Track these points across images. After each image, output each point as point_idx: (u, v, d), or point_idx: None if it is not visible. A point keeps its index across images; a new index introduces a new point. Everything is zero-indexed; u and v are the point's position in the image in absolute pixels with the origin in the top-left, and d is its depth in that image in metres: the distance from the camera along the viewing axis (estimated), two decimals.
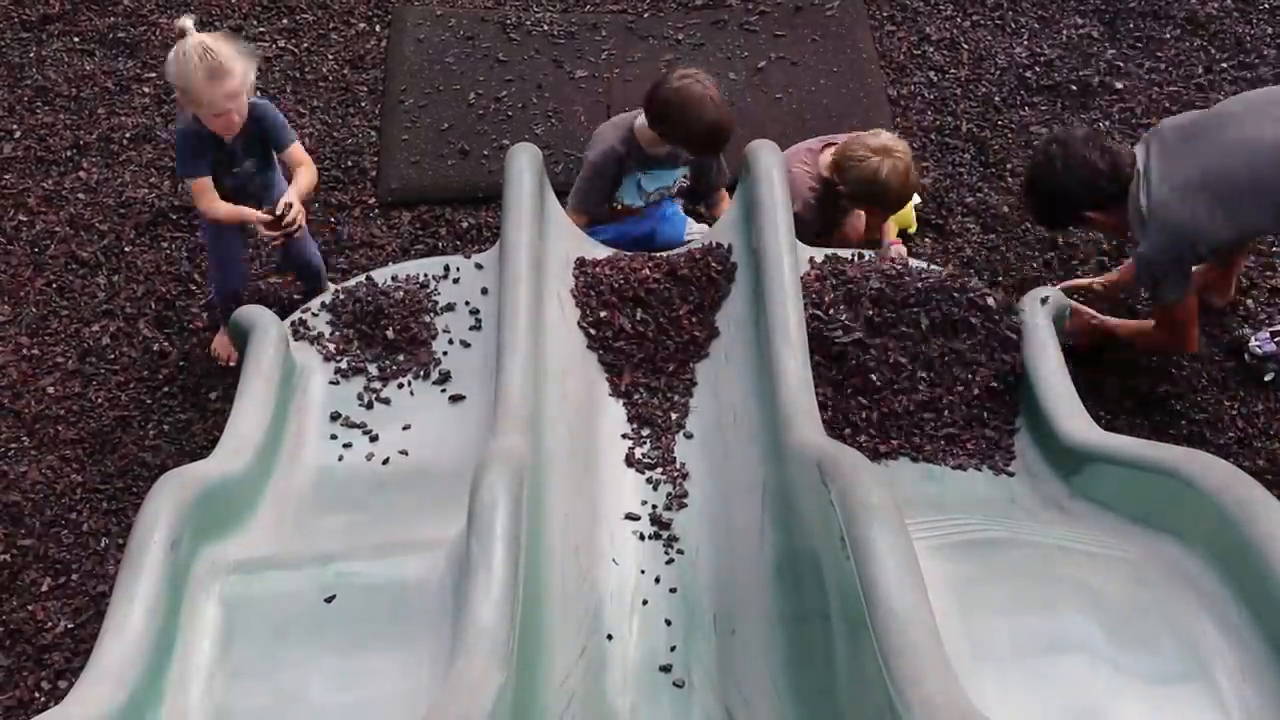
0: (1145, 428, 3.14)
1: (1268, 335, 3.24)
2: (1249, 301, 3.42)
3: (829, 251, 2.91)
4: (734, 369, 2.71)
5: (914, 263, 2.90)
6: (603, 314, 2.80)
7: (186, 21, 2.71)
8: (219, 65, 2.67)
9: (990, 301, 2.74)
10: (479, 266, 2.93)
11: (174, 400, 3.26)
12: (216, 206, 2.91)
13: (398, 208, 3.74)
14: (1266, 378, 3.23)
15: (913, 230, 3.59)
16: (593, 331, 2.80)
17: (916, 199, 3.60)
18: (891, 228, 3.45)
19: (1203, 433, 3.14)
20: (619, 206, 3.33)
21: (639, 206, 3.35)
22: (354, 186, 3.80)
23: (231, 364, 3.18)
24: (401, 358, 2.78)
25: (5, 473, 3.09)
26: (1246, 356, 3.24)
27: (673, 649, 2.33)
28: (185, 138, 2.86)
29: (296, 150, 2.97)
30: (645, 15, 4.30)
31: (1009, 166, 3.81)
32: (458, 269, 2.94)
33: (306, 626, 2.05)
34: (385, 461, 2.61)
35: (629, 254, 2.99)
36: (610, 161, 3.21)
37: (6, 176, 3.81)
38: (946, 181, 3.77)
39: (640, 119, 3.18)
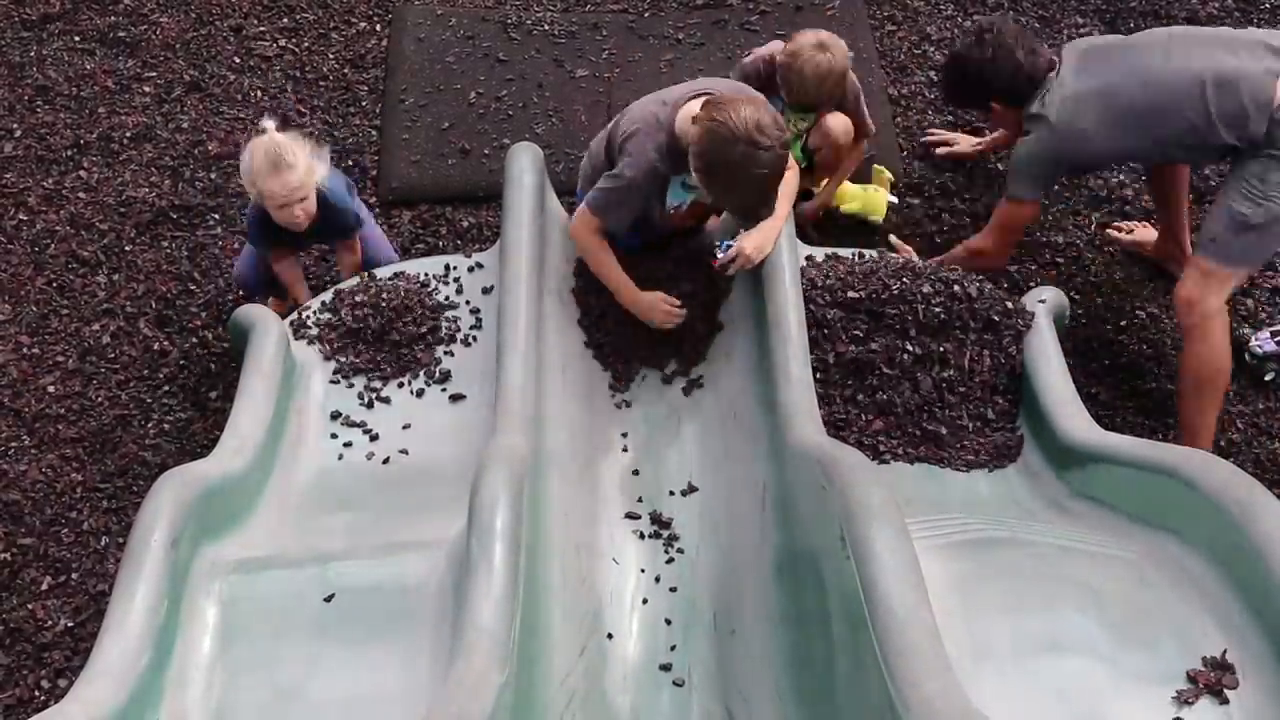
0: (1145, 428, 3.14)
1: (1268, 335, 3.24)
2: (1249, 301, 3.42)
3: (829, 251, 2.91)
4: (734, 368, 2.71)
5: (914, 260, 2.91)
6: (602, 314, 2.80)
7: (268, 122, 2.81)
8: (281, 158, 2.75)
9: (990, 294, 2.73)
10: (479, 266, 2.93)
11: (174, 399, 3.26)
12: (282, 266, 3.13)
13: (398, 207, 3.74)
14: (1267, 377, 3.23)
15: (879, 219, 3.58)
16: (592, 330, 2.80)
17: (892, 197, 3.61)
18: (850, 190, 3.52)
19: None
20: (671, 212, 2.85)
21: (683, 203, 2.89)
22: (354, 186, 3.80)
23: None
24: (402, 357, 2.78)
25: (5, 471, 3.09)
26: (1247, 356, 3.24)
27: (673, 648, 2.34)
28: (253, 219, 3.00)
29: (355, 241, 3.10)
30: (646, 15, 4.30)
31: (1009, 166, 3.80)
32: (458, 268, 2.94)
33: (306, 626, 2.05)
34: (385, 461, 2.61)
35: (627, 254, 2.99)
36: (649, 179, 2.68)
37: (7, 175, 3.81)
38: (946, 181, 3.76)
39: (683, 115, 2.63)
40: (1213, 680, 1.75)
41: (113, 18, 4.29)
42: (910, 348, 2.67)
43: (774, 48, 3.27)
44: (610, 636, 2.32)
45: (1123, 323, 3.40)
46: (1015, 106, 3.04)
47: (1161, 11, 4.25)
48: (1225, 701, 1.74)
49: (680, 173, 2.69)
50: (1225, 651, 1.79)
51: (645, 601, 2.38)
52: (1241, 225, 2.78)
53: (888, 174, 3.68)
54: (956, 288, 2.72)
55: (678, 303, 2.75)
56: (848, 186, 3.58)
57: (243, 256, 3.30)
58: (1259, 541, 1.81)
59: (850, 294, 2.69)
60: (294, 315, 2.86)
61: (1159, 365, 3.30)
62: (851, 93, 3.32)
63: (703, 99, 2.55)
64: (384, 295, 2.85)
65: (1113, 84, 2.88)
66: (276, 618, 2.08)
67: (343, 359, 2.77)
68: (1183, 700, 1.74)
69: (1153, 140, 2.90)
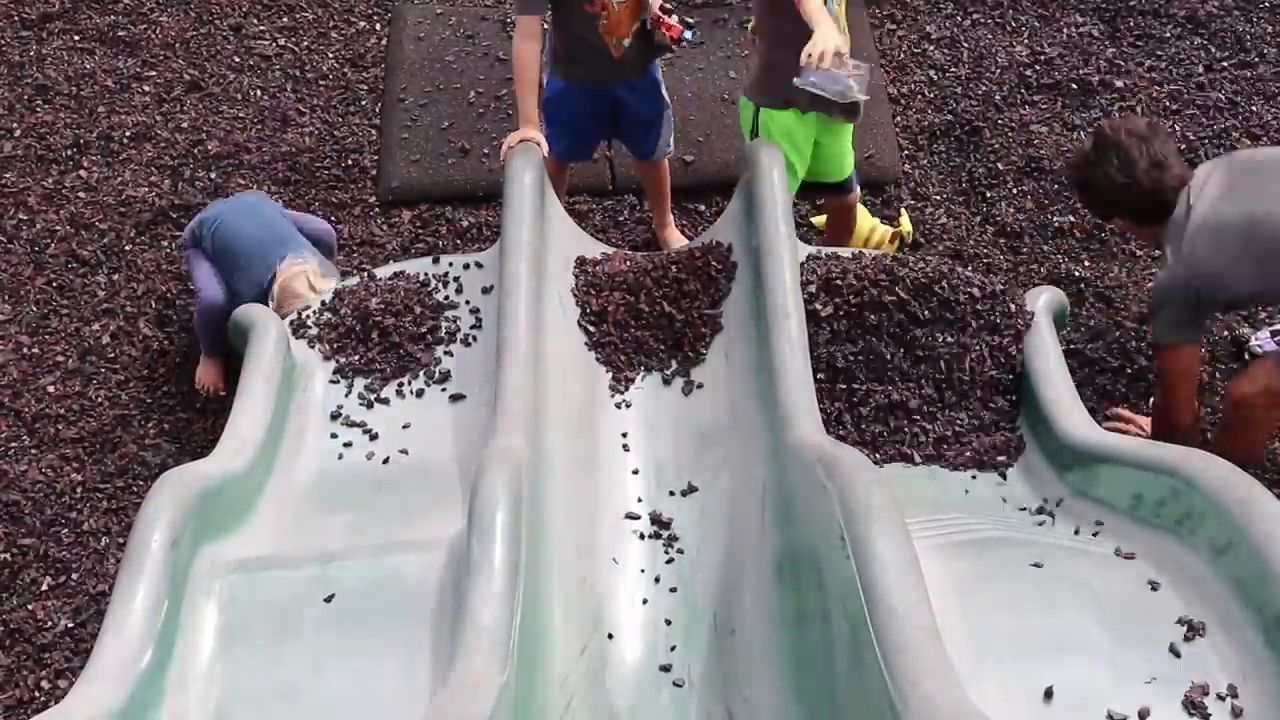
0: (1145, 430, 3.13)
1: (1268, 335, 3.24)
2: None
3: (828, 250, 2.91)
4: (734, 368, 2.71)
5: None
6: (602, 314, 2.80)
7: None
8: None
9: (991, 293, 2.72)
10: (479, 265, 2.92)
11: (174, 399, 3.26)
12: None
13: (398, 206, 3.74)
14: None
15: (908, 237, 3.55)
16: (591, 330, 2.80)
17: (907, 224, 3.58)
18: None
19: (1204, 432, 3.13)
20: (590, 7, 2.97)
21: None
22: (354, 185, 3.80)
23: (220, 393, 3.19)
24: (402, 357, 2.77)
25: (5, 471, 3.09)
26: (1247, 356, 3.24)
27: (673, 648, 2.33)
28: (212, 318, 3.12)
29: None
30: None
31: (1009, 165, 3.81)
32: (458, 268, 2.93)
33: (307, 626, 2.05)
34: (385, 461, 2.60)
35: (629, 252, 2.98)
36: None
37: (7, 175, 3.81)
38: (945, 180, 3.77)
39: None
40: (1213, 681, 1.76)
41: (112, 17, 4.29)
42: (911, 347, 2.66)
43: None
44: (610, 637, 2.32)
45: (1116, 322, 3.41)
46: (1146, 224, 2.75)
47: (1161, 10, 4.26)
48: (1224, 701, 1.74)
49: None
50: (1225, 652, 1.79)
51: (645, 602, 2.38)
52: None
53: (907, 225, 3.59)
54: (958, 288, 2.72)
55: (543, 145, 2.88)
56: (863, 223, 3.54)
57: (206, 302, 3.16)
58: (1259, 541, 1.81)
59: (851, 294, 2.69)
60: (294, 315, 2.85)
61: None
62: None
63: None
64: (384, 295, 2.85)
65: (1259, 214, 2.53)
66: (277, 618, 2.08)
67: (343, 359, 2.77)
68: (1182, 701, 1.74)
69: None
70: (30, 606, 2.84)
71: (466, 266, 2.93)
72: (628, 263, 2.89)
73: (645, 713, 2.25)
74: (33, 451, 3.14)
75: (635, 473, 2.62)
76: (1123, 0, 4.30)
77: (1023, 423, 2.69)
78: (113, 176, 3.79)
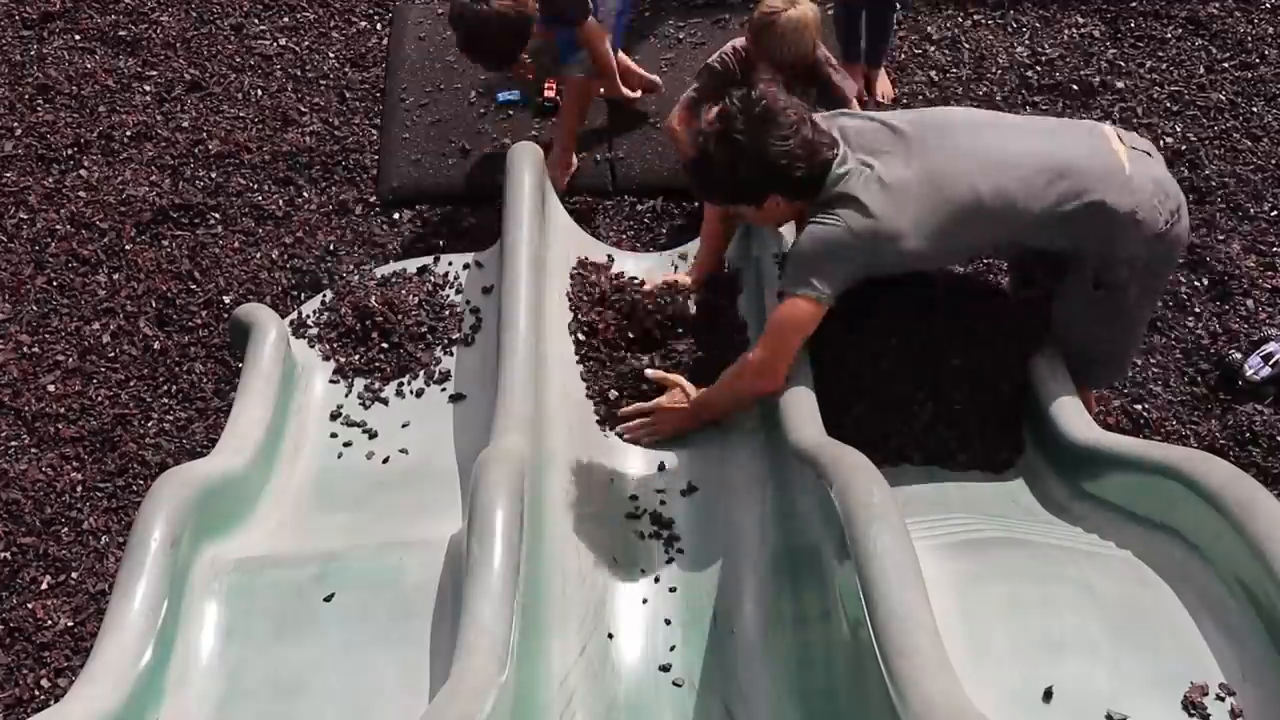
0: (1143, 436, 3.14)
1: (1259, 360, 3.20)
2: (1249, 302, 3.42)
3: None
4: None
5: None
6: (593, 329, 2.78)
7: None
8: None
9: (994, 293, 2.72)
10: (480, 265, 2.92)
11: (174, 399, 3.26)
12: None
13: (398, 206, 3.74)
14: (1267, 400, 3.20)
15: None
16: (582, 340, 2.78)
17: None
18: None
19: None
20: None
21: None
22: (355, 185, 3.80)
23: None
24: (402, 357, 2.77)
25: (5, 470, 3.09)
26: (1241, 383, 3.21)
27: (672, 648, 2.33)
28: None
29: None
30: (646, 14, 4.30)
31: None
32: (458, 268, 2.93)
33: (306, 625, 2.05)
34: (385, 460, 2.60)
35: (630, 260, 2.97)
36: None
37: (7, 174, 3.81)
38: None
39: None
40: (1212, 681, 1.75)
41: (113, 16, 4.29)
42: (912, 346, 2.66)
43: (735, 41, 3.30)
44: (610, 636, 2.32)
45: None
46: (800, 200, 2.45)
47: (1162, 11, 4.25)
48: (1224, 701, 1.74)
49: None
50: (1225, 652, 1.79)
51: (645, 601, 2.38)
52: None
53: None
54: (961, 288, 2.71)
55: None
56: None
57: None
58: (1259, 541, 1.81)
59: (849, 293, 2.68)
60: (294, 315, 2.86)
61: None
62: (823, 57, 3.29)
63: None
64: (384, 295, 2.85)
65: (937, 171, 2.36)
66: (277, 617, 2.08)
67: (343, 358, 2.77)
68: (1181, 701, 1.74)
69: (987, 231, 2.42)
70: (30, 605, 2.84)
71: (466, 266, 2.93)
72: (634, 288, 2.86)
73: (645, 712, 2.24)
74: (33, 450, 3.15)
75: (635, 472, 2.62)
76: (1124, 1, 4.30)
77: (1024, 423, 2.69)
78: (113, 176, 3.80)
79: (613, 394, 2.68)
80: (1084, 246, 2.44)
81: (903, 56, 4.16)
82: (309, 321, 2.84)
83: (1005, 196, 2.36)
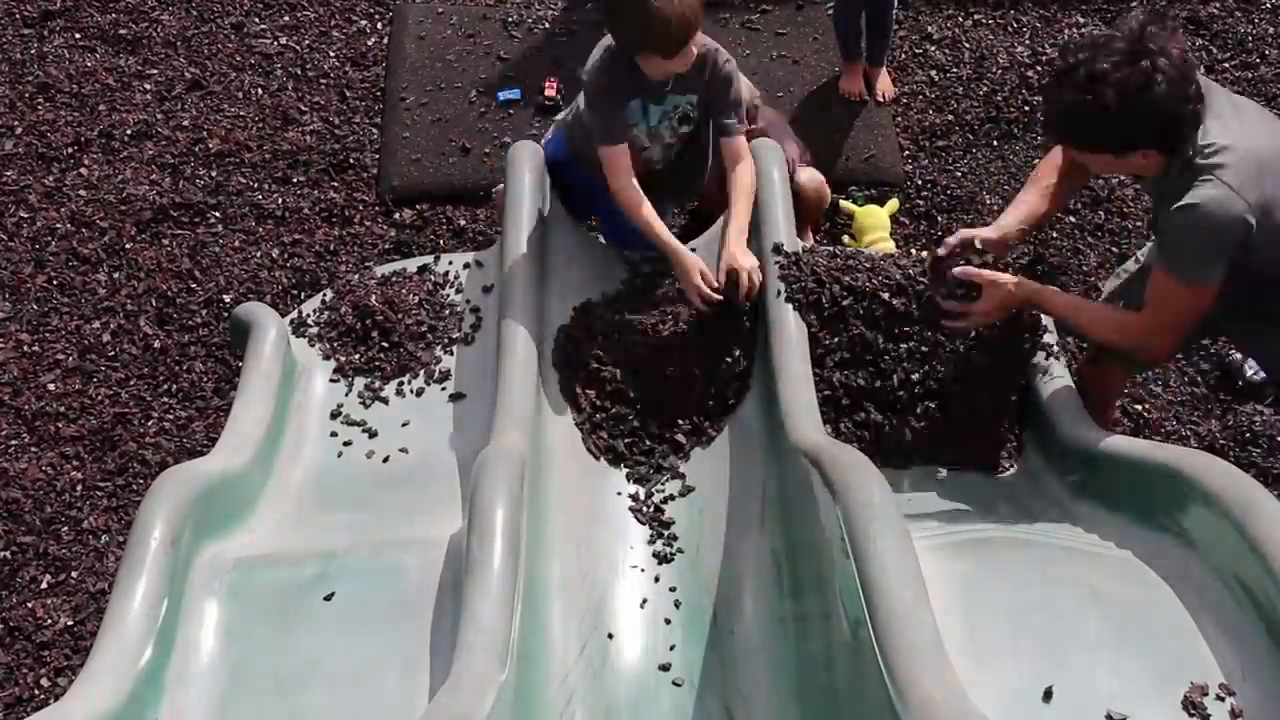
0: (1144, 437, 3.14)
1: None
2: None
3: (831, 249, 2.90)
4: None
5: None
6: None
7: None
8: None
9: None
10: (480, 265, 2.92)
11: (174, 397, 3.26)
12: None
13: (398, 205, 3.74)
14: (1267, 400, 3.20)
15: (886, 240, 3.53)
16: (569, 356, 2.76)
17: (894, 203, 3.61)
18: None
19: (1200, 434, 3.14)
20: (648, 134, 2.80)
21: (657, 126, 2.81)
22: (355, 184, 3.80)
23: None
24: (401, 356, 2.77)
25: (5, 469, 3.09)
26: (1241, 383, 3.21)
27: (672, 648, 2.33)
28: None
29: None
30: None
31: (1010, 166, 3.81)
32: (458, 267, 2.93)
33: (306, 624, 2.05)
34: (386, 459, 2.60)
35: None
36: (606, 78, 2.63)
37: (8, 173, 3.81)
38: (946, 181, 3.76)
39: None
40: (1212, 681, 1.75)
41: (114, 15, 4.29)
42: (912, 347, 2.66)
43: None
44: (610, 636, 2.32)
45: None
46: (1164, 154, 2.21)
47: (1163, 11, 4.25)
48: (1224, 701, 1.74)
49: (633, 91, 2.65)
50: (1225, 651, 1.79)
51: (645, 601, 2.38)
52: None
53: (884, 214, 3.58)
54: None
55: (716, 293, 2.60)
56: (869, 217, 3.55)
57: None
58: (1259, 541, 1.81)
59: (852, 294, 2.69)
60: (294, 314, 2.85)
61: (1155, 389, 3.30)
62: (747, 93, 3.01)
63: None
64: (384, 294, 2.85)
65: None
66: (277, 616, 2.08)
67: (343, 358, 2.77)
68: (1181, 701, 1.74)
69: None
70: (30, 604, 2.84)
71: (466, 266, 2.93)
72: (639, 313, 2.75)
73: (644, 712, 2.25)
74: (33, 449, 3.15)
75: (635, 471, 2.62)
76: (1124, 1, 4.30)
77: (1024, 424, 2.69)
78: (113, 174, 3.79)
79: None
80: None
81: (903, 56, 4.16)
82: (309, 320, 2.84)
83: None
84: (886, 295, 2.62)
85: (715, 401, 2.63)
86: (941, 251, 2.53)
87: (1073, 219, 3.67)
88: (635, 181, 2.68)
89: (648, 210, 2.68)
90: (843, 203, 3.63)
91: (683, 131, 2.83)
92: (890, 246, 3.45)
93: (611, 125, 2.66)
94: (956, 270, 2.49)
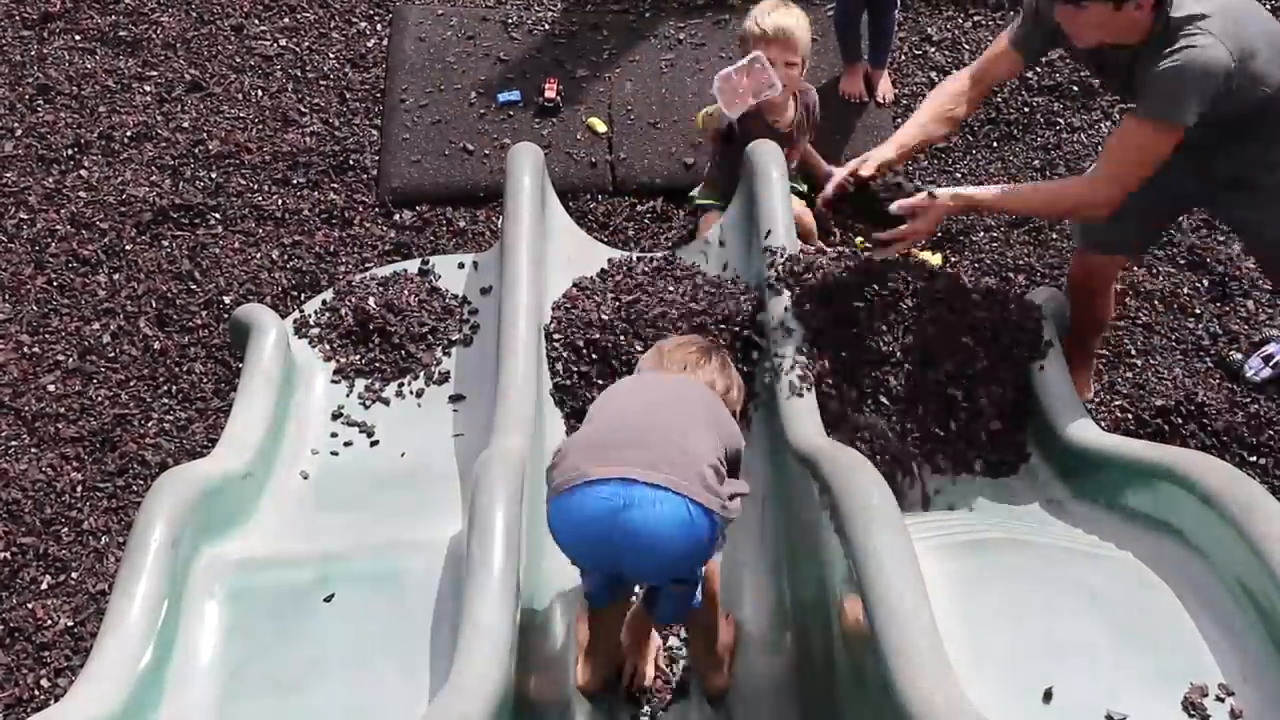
0: (1144, 436, 3.13)
1: (1260, 361, 3.20)
2: (1249, 303, 3.42)
3: (830, 251, 2.90)
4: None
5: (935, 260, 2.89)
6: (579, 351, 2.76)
7: None
8: None
9: (997, 294, 2.70)
10: (480, 266, 2.93)
11: (174, 399, 3.26)
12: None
13: (399, 207, 3.74)
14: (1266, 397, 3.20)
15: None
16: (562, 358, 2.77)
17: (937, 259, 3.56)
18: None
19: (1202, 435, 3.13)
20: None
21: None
22: (355, 185, 3.80)
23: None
24: (402, 357, 2.77)
25: (5, 470, 3.09)
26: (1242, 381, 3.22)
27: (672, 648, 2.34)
28: None
29: None
30: (647, 15, 4.30)
31: (1011, 166, 3.81)
32: (458, 268, 2.93)
33: (307, 625, 2.05)
34: (386, 461, 2.60)
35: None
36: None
37: (7, 174, 3.81)
38: (946, 182, 3.76)
39: None
40: (1212, 681, 1.75)
41: (114, 17, 4.29)
42: (913, 348, 2.66)
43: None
44: None
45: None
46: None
47: None
48: (1223, 702, 1.74)
49: None
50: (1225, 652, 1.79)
51: None
52: None
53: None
54: (963, 289, 2.71)
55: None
56: None
57: None
58: (1259, 542, 1.81)
59: (852, 294, 2.69)
60: (295, 315, 2.86)
61: (1158, 381, 3.30)
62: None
63: None
64: (384, 296, 2.85)
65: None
66: (277, 618, 2.08)
67: (343, 359, 2.77)
68: (1181, 701, 1.74)
69: None
70: (30, 605, 2.84)
71: (466, 267, 2.93)
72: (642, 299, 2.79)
73: (645, 712, 2.25)
74: (33, 450, 3.14)
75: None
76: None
77: (1026, 426, 2.69)
78: (113, 176, 3.80)
79: None
80: None
81: (903, 57, 4.16)
82: (310, 322, 2.84)
83: None
84: (889, 296, 2.62)
85: None
86: (865, 173, 2.63)
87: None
88: None
89: None
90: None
91: None
92: (925, 254, 3.44)
93: None
94: (893, 206, 2.58)
